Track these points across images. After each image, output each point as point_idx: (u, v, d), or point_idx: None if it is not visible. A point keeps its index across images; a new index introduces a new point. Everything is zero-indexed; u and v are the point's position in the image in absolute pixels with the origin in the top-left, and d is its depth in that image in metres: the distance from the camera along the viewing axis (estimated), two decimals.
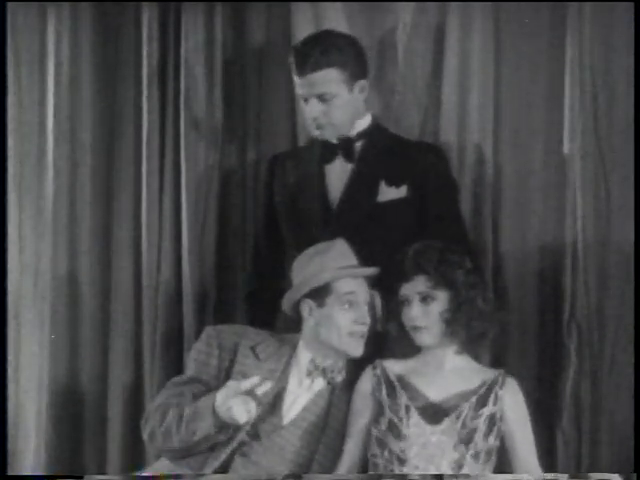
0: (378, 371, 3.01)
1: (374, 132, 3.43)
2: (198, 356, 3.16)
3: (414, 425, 2.91)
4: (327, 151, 3.39)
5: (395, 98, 3.67)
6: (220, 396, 2.93)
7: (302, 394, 3.10)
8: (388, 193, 3.35)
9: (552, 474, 3.05)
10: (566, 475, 3.03)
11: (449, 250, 3.03)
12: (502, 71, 3.63)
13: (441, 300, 2.97)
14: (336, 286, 3.08)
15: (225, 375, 3.08)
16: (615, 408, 3.55)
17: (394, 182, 3.35)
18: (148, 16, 3.78)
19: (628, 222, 3.51)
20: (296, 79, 3.32)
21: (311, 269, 3.10)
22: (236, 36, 3.78)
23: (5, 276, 3.65)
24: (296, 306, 3.13)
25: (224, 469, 3.01)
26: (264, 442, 3.04)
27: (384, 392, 2.98)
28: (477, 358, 3.06)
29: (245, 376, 3.00)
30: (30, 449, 3.91)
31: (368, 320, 3.09)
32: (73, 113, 3.84)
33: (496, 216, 3.63)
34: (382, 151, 3.39)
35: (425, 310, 2.97)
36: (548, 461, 3.25)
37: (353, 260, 3.14)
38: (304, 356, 3.12)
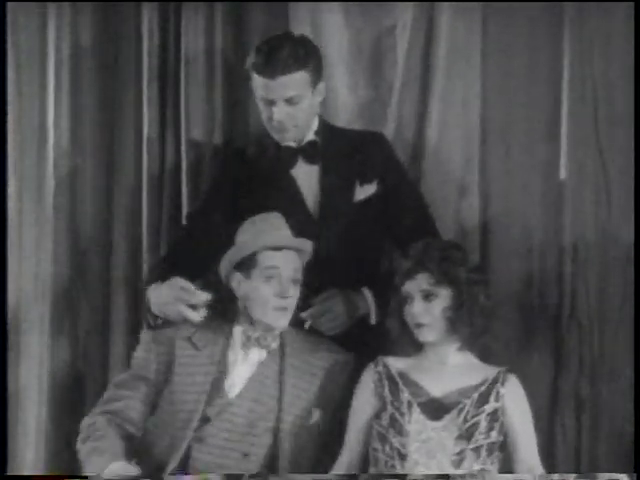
0: (380, 367, 3.01)
1: (325, 130, 3.42)
2: (138, 354, 3.21)
3: (416, 421, 2.91)
4: (288, 155, 3.37)
5: (392, 97, 3.69)
6: None
7: (241, 367, 3.12)
8: (363, 191, 3.36)
9: (558, 474, 3.04)
10: (573, 475, 3.02)
11: (451, 247, 3.04)
12: (497, 69, 3.65)
13: (443, 297, 2.96)
14: (260, 259, 3.10)
15: (166, 369, 3.13)
16: (615, 407, 3.55)
17: (365, 178, 3.35)
18: (148, 16, 3.78)
19: (628, 222, 3.52)
20: (261, 81, 3.27)
21: (241, 239, 3.14)
22: (236, 36, 3.78)
23: (5, 275, 3.65)
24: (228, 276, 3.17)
25: (185, 458, 3.04)
26: (215, 423, 3.06)
27: (386, 388, 2.98)
28: (479, 355, 3.06)
29: (187, 369, 3.09)
30: (30, 449, 3.91)
31: (291, 293, 3.11)
32: (73, 112, 3.84)
33: (492, 214, 3.65)
34: (339, 147, 3.39)
35: (427, 307, 2.96)
36: (548, 460, 3.24)
37: (285, 232, 3.15)
38: (237, 329, 3.16)
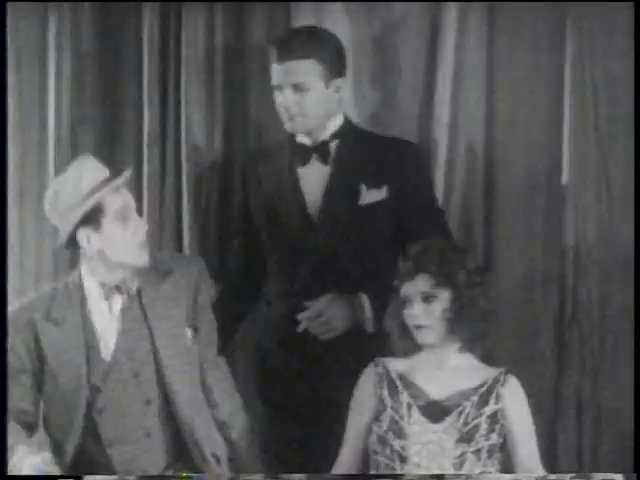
0: (380, 369, 3.00)
1: (348, 131, 3.40)
2: (8, 346, 3.15)
3: (415, 423, 2.91)
4: (301, 152, 3.38)
5: (395, 96, 3.68)
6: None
7: (108, 319, 3.12)
8: (369, 195, 3.34)
9: (555, 475, 3.04)
10: (569, 475, 3.01)
11: (451, 249, 3.02)
12: (500, 70, 3.66)
13: (443, 299, 2.95)
14: (105, 205, 3.06)
15: (38, 354, 3.11)
16: (616, 408, 3.56)
17: (374, 183, 3.33)
18: (149, 15, 3.78)
19: (629, 224, 3.53)
20: (274, 67, 3.30)
21: (72, 197, 3.07)
22: (236, 36, 3.78)
23: (5, 275, 3.64)
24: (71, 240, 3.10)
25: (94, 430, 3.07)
26: (105, 390, 3.07)
27: (386, 390, 2.97)
28: (479, 356, 3.05)
29: (58, 348, 3.07)
30: None
31: (145, 226, 3.12)
32: (74, 113, 3.83)
33: (495, 217, 3.65)
34: (358, 151, 3.37)
35: (427, 309, 2.95)
36: (549, 461, 3.25)
37: (106, 172, 3.12)
38: (93, 284, 3.13)
